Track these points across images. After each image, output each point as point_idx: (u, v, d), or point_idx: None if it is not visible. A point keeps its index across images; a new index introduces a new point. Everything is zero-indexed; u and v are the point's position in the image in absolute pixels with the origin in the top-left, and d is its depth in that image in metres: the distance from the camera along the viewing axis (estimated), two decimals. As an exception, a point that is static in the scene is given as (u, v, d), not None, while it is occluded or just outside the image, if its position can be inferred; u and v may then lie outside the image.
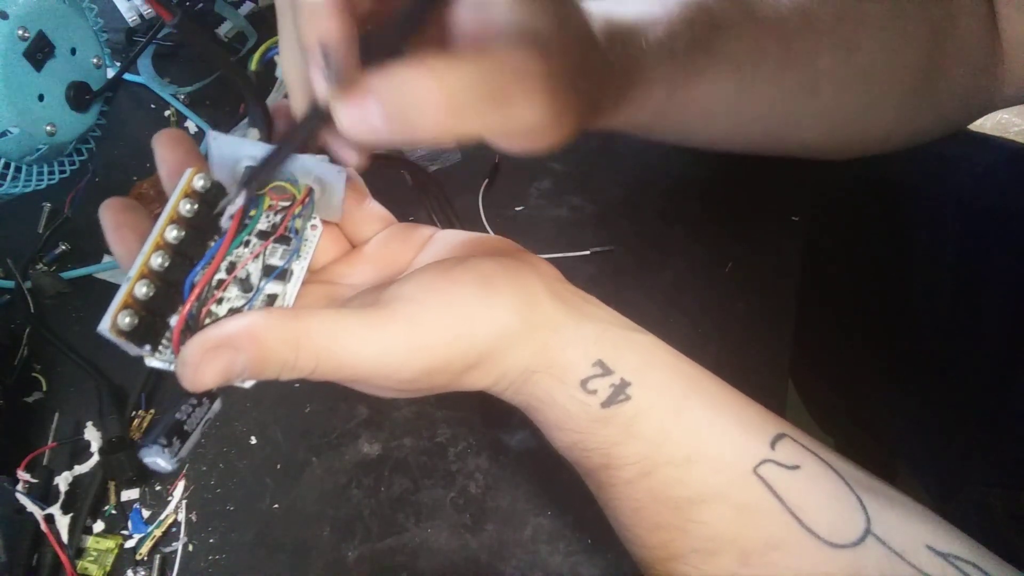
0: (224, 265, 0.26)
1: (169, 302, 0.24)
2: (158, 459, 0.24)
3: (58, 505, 0.39)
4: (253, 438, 0.42)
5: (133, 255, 0.24)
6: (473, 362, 0.26)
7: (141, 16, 0.60)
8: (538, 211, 0.49)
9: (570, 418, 0.27)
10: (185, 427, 0.24)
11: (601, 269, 0.46)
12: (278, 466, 0.41)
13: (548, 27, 0.24)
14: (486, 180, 0.49)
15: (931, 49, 0.35)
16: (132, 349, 0.24)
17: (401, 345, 0.24)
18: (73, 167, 0.52)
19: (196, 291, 0.24)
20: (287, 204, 0.27)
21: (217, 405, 0.26)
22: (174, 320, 0.24)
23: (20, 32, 0.44)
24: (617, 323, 0.28)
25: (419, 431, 0.41)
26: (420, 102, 0.21)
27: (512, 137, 0.24)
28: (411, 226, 0.32)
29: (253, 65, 0.29)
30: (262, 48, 0.30)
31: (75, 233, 0.51)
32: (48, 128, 0.47)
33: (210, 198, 0.26)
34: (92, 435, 0.42)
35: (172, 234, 0.25)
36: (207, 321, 0.25)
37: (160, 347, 0.24)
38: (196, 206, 0.25)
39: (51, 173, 0.50)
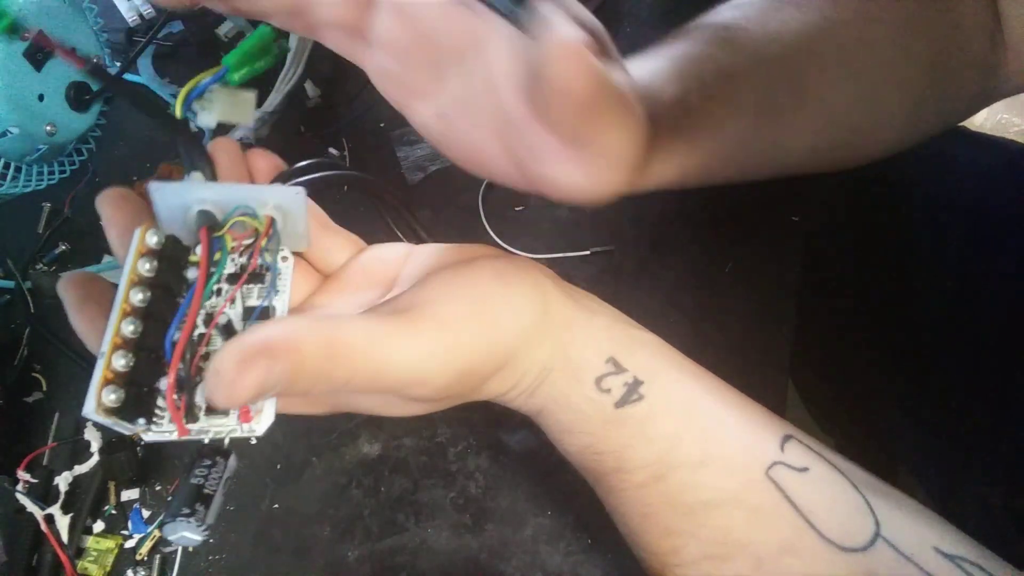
0: (200, 319, 0.25)
1: (152, 369, 0.23)
2: (185, 533, 0.22)
3: (58, 505, 0.39)
4: (253, 438, 0.42)
5: (99, 332, 0.23)
6: (501, 362, 0.25)
7: (141, 16, 0.60)
8: (538, 211, 0.49)
9: (583, 420, 0.26)
10: (205, 490, 0.23)
11: (601, 269, 0.46)
12: (278, 466, 0.41)
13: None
14: (486, 180, 0.49)
15: (937, 58, 0.35)
16: (126, 428, 0.22)
17: (437, 349, 0.23)
18: (73, 167, 0.52)
19: (179, 349, 0.22)
20: (250, 241, 0.26)
21: (233, 461, 0.24)
22: (164, 384, 0.23)
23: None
24: (623, 321, 0.28)
25: (419, 431, 0.41)
26: None
27: (599, 161, 0.23)
28: (382, 245, 0.31)
29: (177, 112, 0.28)
30: (183, 92, 0.29)
31: (75, 233, 0.51)
32: (48, 128, 0.47)
33: (168, 253, 0.24)
34: (92, 435, 0.42)
35: (138, 297, 0.23)
36: (197, 379, 0.23)
37: (155, 418, 0.23)
38: (156, 263, 0.24)
39: (51, 173, 0.50)
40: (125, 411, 0.21)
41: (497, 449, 0.40)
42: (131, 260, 0.24)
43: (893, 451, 0.63)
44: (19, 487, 0.39)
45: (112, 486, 0.41)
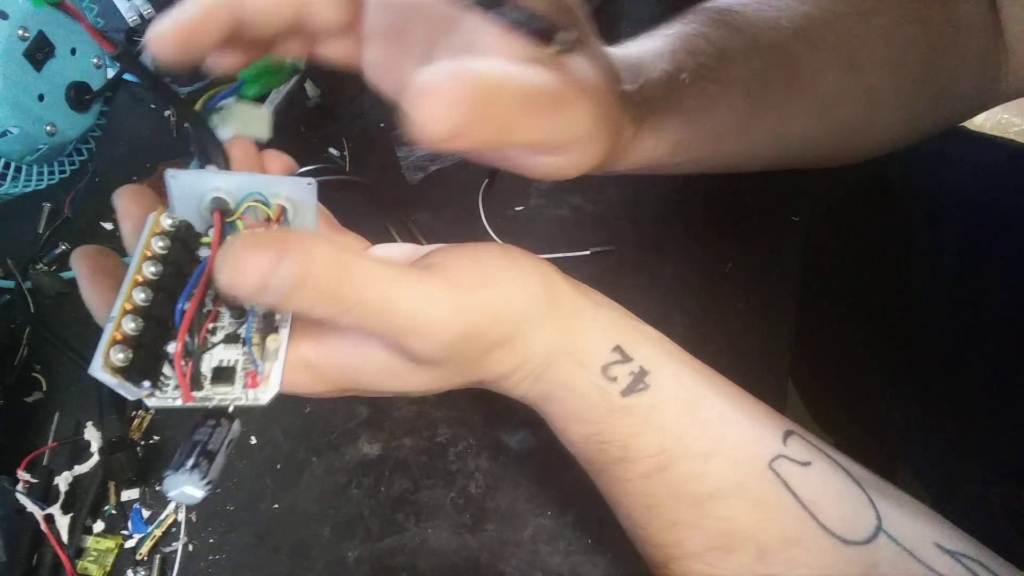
0: (208, 297, 0.25)
1: (160, 335, 0.23)
2: (186, 488, 0.22)
3: (58, 505, 0.39)
4: (253, 438, 0.42)
5: (109, 304, 0.23)
6: (506, 334, 0.25)
7: (141, 16, 0.60)
8: (538, 211, 0.49)
9: (589, 408, 0.26)
10: (209, 447, 0.23)
11: (601, 269, 0.46)
12: (278, 466, 0.41)
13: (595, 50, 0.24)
14: (486, 180, 0.49)
15: (933, 55, 0.35)
16: (130, 390, 0.22)
17: (445, 300, 0.23)
18: (73, 167, 0.52)
19: (188, 316, 0.23)
20: (261, 229, 0.26)
21: (236, 426, 0.24)
22: (172, 347, 0.23)
23: (20, 32, 0.44)
24: (628, 315, 0.29)
25: (419, 431, 0.41)
26: (496, 97, 0.20)
27: (556, 149, 0.24)
28: (387, 245, 0.31)
29: (198, 106, 0.28)
30: (203, 99, 0.29)
31: (75, 233, 0.51)
32: (48, 128, 0.47)
33: (181, 235, 0.25)
34: (92, 435, 0.42)
35: (150, 269, 0.23)
36: (204, 348, 0.24)
37: (160, 384, 0.23)
38: (169, 242, 0.24)
39: (51, 173, 0.50)
40: (131, 371, 0.22)
41: (497, 449, 0.40)
42: (145, 238, 0.24)
43: (893, 451, 0.63)
44: (19, 487, 0.39)
45: (112, 486, 0.41)
